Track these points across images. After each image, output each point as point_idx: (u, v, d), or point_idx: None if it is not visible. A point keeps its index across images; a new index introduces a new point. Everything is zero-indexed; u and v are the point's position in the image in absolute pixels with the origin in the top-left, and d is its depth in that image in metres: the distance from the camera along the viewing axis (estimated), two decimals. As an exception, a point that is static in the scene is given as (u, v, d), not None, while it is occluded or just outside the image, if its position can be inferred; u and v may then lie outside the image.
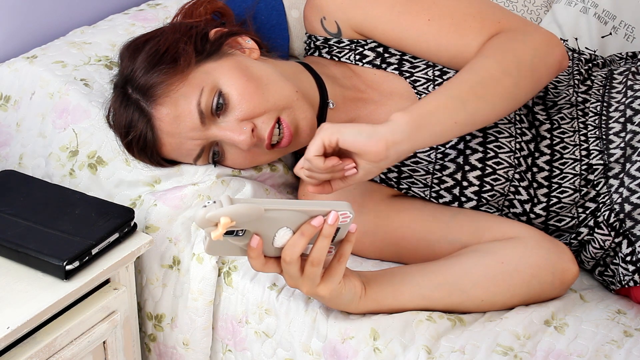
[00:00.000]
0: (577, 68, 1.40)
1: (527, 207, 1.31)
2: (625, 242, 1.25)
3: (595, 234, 1.28)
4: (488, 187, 1.30)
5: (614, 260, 1.28)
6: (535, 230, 1.28)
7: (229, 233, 1.03)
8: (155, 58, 1.29)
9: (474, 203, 1.31)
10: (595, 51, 1.68)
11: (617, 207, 1.25)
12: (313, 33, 1.45)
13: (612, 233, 1.26)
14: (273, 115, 1.28)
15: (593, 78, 1.39)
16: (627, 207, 1.24)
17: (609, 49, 1.69)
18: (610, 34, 1.68)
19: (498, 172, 1.30)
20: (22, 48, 1.49)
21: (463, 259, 1.23)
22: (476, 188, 1.31)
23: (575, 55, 1.43)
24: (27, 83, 1.41)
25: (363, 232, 1.32)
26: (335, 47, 1.42)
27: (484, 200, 1.31)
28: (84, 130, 1.36)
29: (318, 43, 1.44)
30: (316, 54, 1.45)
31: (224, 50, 1.33)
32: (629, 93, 1.33)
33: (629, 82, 1.34)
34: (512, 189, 1.31)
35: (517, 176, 1.30)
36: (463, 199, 1.31)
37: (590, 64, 1.43)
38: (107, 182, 1.34)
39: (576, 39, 1.70)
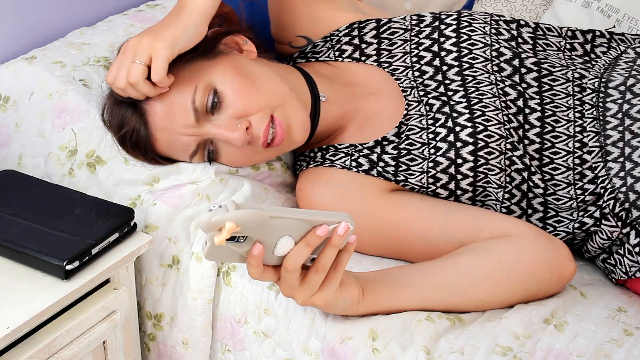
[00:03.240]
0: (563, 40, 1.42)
1: (525, 174, 1.32)
2: (633, 232, 1.25)
3: (602, 226, 1.28)
4: (482, 160, 1.31)
5: (619, 250, 1.28)
6: (533, 227, 1.28)
7: (230, 239, 1.01)
8: None
9: (470, 180, 1.32)
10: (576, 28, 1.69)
11: (621, 196, 1.25)
12: (287, 54, 1.52)
13: (619, 223, 1.26)
14: (267, 113, 1.29)
15: (597, 59, 1.39)
16: (632, 196, 1.24)
17: (612, 42, 1.70)
18: (614, 26, 1.68)
19: (490, 145, 1.31)
20: (21, 49, 1.49)
21: (461, 258, 1.23)
22: (471, 164, 1.31)
23: (546, 26, 1.45)
24: (26, 83, 1.41)
25: (362, 228, 1.32)
26: (312, 52, 1.46)
27: (480, 175, 1.31)
28: (82, 130, 1.36)
29: (294, 56, 1.50)
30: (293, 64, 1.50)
31: (220, 49, 1.34)
32: (631, 80, 1.33)
33: (634, 72, 1.34)
34: (507, 162, 1.31)
35: (508, 146, 1.31)
36: (459, 176, 1.32)
37: (592, 39, 1.44)
38: (106, 181, 1.34)
39: None
